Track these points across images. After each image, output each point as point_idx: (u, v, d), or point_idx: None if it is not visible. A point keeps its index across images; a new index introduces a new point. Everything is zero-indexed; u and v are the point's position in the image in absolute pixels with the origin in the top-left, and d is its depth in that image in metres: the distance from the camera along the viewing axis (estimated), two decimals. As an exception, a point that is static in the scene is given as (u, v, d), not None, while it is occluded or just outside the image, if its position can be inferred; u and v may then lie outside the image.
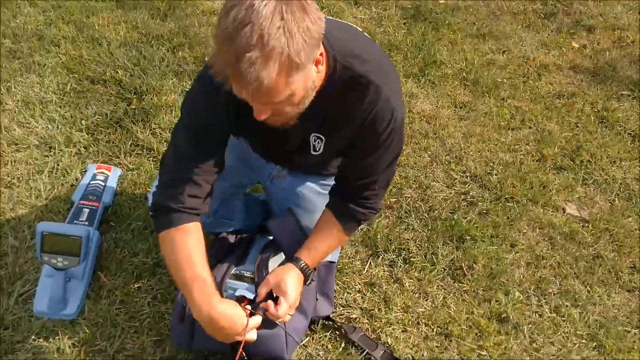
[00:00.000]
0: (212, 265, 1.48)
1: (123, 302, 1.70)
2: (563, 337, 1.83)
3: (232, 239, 1.76)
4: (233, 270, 1.58)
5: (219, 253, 1.67)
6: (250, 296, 1.48)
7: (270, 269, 1.54)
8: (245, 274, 1.56)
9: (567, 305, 1.93)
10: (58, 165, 2.09)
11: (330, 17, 1.40)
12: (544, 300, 1.93)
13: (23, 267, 1.73)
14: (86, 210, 1.86)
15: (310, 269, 1.51)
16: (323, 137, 1.45)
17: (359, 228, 1.68)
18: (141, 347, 1.59)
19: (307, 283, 1.53)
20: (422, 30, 3.28)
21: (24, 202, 1.93)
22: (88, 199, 1.91)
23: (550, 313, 1.90)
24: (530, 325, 1.85)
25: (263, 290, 1.46)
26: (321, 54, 1.20)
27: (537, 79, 3.03)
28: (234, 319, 1.36)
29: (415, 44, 3.15)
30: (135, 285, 1.74)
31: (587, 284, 2.01)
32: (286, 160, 1.66)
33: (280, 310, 1.42)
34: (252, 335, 1.41)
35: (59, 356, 1.53)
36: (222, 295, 1.44)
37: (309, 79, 1.18)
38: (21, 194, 1.96)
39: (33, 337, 1.57)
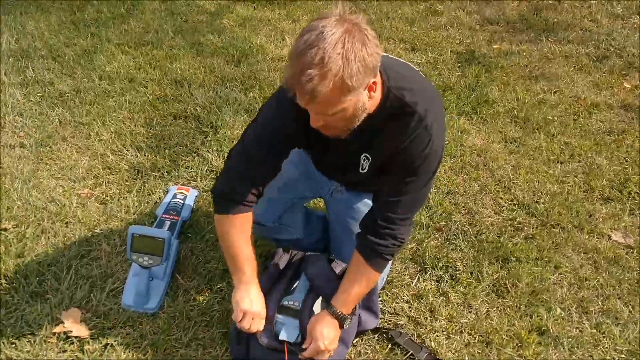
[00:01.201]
0: (265, 289, 1.73)
1: (196, 300, 1.94)
2: (602, 351, 1.92)
3: (283, 263, 1.89)
4: (282, 301, 1.76)
5: (272, 277, 1.84)
6: (292, 340, 1.68)
7: (315, 311, 1.73)
8: (292, 306, 1.74)
9: (608, 323, 2.01)
10: (144, 186, 2.39)
11: (394, 57, 1.64)
12: (585, 318, 2.03)
13: (113, 268, 2.01)
14: (167, 223, 2.14)
15: (343, 314, 1.66)
16: (370, 158, 1.65)
17: (390, 260, 1.74)
18: (211, 337, 1.82)
19: (344, 326, 1.68)
20: (476, 72, 3.48)
21: (115, 216, 2.23)
22: (169, 214, 2.19)
23: (591, 329, 1.99)
24: (570, 339, 1.94)
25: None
26: (374, 82, 1.41)
27: (587, 117, 3.15)
28: (252, 315, 1.64)
29: (469, 85, 3.35)
30: (207, 287, 1.98)
31: (630, 304, 2.09)
32: (341, 177, 1.88)
33: (306, 353, 1.63)
34: None
35: (141, 341, 1.77)
36: (273, 326, 1.70)
37: (360, 101, 1.41)
38: (113, 209, 2.26)
39: (121, 325, 1.82)
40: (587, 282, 2.16)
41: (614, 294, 2.12)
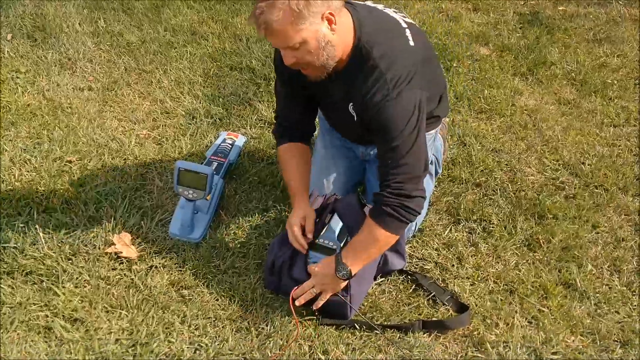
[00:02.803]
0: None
1: (236, 234, 2.08)
2: (630, 308, 1.92)
3: (317, 205, 1.97)
4: (318, 240, 1.85)
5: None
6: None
7: None
8: (328, 245, 1.83)
9: (640, 283, 2.00)
10: (198, 130, 2.55)
11: (396, 15, 1.74)
12: (617, 276, 2.03)
13: (164, 201, 2.18)
14: (215, 163, 2.28)
15: (340, 260, 1.71)
16: (354, 111, 1.73)
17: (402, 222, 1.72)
18: (246, 267, 1.96)
19: (337, 273, 1.71)
20: (537, 34, 3.41)
21: (169, 156, 2.40)
22: (217, 156, 2.33)
23: (621, 287, 1.99)
24: (598, 295, 1.95)
25: None
26: (331, 14, 1.52)
27: (650, 81, 3.04)
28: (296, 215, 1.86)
29: (528, 46, 3.30)
30: (247, 223, 2.12)
31: (666, 266, 2.06)
32: (346, 130, 1.98)
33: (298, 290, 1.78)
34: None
35: (183, 266, 1.94)
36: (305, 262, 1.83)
37: (319, 32, 1.53)
38: (168, 149, 2.43)
39: (166, 250, 1.99)
40: (624, 242, 2.15)
41: (651, 256, 2.10)
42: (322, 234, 1.86)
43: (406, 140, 1.61)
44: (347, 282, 1.76)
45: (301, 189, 1.91)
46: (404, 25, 1.72)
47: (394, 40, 1.67)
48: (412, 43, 1.68)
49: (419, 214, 1.71)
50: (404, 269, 1.97)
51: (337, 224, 1.88)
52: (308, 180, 1.95)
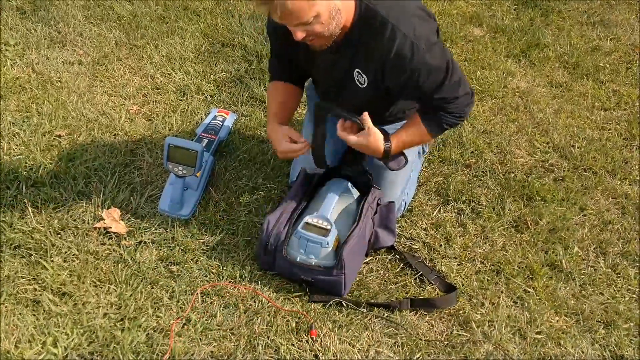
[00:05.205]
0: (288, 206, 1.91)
1: (225, 211, 2.08)
2: (614, 290, 1.95)
3: (304, 182, 1.99)
4: (307, 219, 1.83)
5: (295, 196, 1.96)
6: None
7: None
8: (319, 225, 1.82)
9: (624, 265, 2.02)
10: (188, 107, 2.53)
11: None
12: (602, 258, 2.05)
13: (153, 177, 2.17)
14: (205, 140, 2.27)
15: (388, 136, 1.78)
16: (363, 74, 1.72)
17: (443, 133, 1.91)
18: (235, 244, 1.96)
19: (383, 150, 1.77)
20: (531, 15, 3.40)
21: (159, 132, 2.39)
22: (208, 133, 2.32)
23: (606, 268, 2.01)
24: (583, 276, 1.98)
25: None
26: None
27: (642, 66, 3.04)
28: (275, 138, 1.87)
29: (522, 27, 3.28)
30: (237, 201, 2.12)
31: (651, 249, 2.09)
32: (340, 96, 1.89)
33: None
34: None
35: (172, 242, 1.94)
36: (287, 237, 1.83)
37: (330, 3, 1.50)
38: (158, 125, 2.42)
39: (155, 226, 1.99)
40: (611, 225, 2.17)
41: (637, 238, 2.12)
42: (314, 213, 1.86)
43: (451, 78, 1.68)
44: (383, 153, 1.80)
45: (281, 115, 1.93)
46: None
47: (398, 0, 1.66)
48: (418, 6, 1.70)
49: None
50: (394, 245, 1.98)
51: (330, 202, 1.88)
52: (291, 114, 2.02)
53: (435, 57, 1.64)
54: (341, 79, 1.78)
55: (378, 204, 1.93)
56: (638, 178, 2.37)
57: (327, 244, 1.78)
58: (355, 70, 1.73)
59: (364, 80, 1.74)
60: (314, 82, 2.06)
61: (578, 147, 2.51)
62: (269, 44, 2.02)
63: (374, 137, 1.72)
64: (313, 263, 1.79)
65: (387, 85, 1.73)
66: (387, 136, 1.77)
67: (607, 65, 3.03)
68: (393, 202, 1.97)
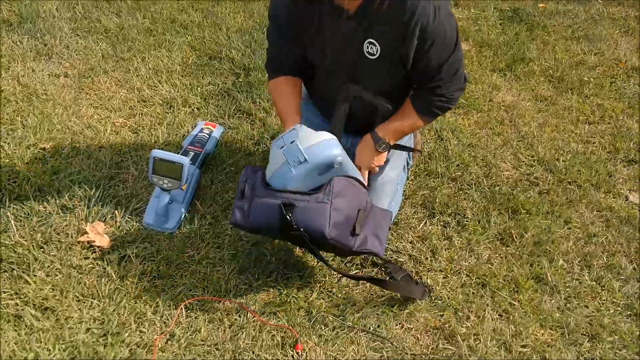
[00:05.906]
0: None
1: (211, 224, 2.07)
2: (599, 303, 1.95)
3: None
4: (297, 126, 1.76)
5: None
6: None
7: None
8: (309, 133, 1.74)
9: (609, 278, 2.03)
10: (175, 120, 2.53)
11: None
12: (587, 271, 2.06)
13: (138, 190, 2.16)
14: (192, 153, 2.26)
15: (378, 135, 1.86)
16: (376, 43, 1.71)
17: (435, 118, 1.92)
18: (221, 257, 1.95)
19: (378, 149, 1.88)
20: (517, 30, 3.44)
21: (145, 145, 2.38)
22: (194, 146, 2.31)
23: (591, 281, 2.02)
24: (568, 289, 1.98)
25: None
26: None
27: (625, 80, 3.08)
28: None
29: (507, 42, 3.32)
30: (223, 214, 2.11)
31: (635, 262, 2.10)
32: (346, 74, 1.84)
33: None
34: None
35: (157, 255, 1.93)
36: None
37: None
38: (144, 138, 2.41)
39: (140, 240, 1.97)
40: (595, 238, 2.18)
41: (621, 251, 2.13)
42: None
43: (456, 54, 1.72)
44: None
45: (293, 112, 1.89)
46: None
47: None
48: None
49: None
50: (382, 255, 1.95)
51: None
52: (300, 106, 1.95)
53: (452, 26, 1.68)
54: (351, 51, 1.74)
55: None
56: (622, 192, 2.39)
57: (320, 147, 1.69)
58: (367, 41, 1.70)
59: (376, 50, 1.71)
60: (316, 70, 1.96)
61: (563, 161, 2.53)
62: (270, 34, 1.90)
63: (363, 151, 1.83)
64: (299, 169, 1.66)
65: (401, 54, 1.69)
66: (375, 137, 1.86)
67: (592, 80, 3.06)
68: (390, 211, 1.96)
